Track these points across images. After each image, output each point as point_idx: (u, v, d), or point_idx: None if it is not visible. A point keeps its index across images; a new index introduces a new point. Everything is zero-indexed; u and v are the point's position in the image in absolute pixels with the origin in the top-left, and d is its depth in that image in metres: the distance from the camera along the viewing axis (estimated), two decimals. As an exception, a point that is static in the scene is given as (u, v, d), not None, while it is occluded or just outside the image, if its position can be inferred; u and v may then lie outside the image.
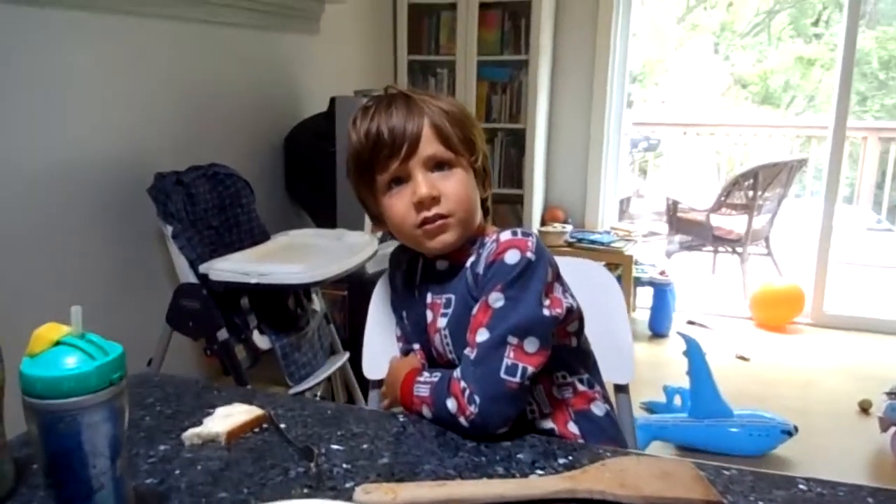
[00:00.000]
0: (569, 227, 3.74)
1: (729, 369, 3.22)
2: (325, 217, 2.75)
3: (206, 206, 2.26)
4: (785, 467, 2.44)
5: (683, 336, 2.54)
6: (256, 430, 0.91)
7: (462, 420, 0.88)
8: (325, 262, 2.15)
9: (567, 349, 1.01)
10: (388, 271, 1.17)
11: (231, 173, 2.35)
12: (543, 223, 3.86)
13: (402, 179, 0.97)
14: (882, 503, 0.76)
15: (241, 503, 0.75)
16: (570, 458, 0.84)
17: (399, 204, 0.97)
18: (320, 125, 2.71)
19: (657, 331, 3.63)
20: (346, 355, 2.46)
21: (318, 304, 2.48)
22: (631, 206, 5.74)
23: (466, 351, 0.93)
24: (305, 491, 0.77)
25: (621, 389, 1.18)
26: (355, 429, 0.91)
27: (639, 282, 3.67)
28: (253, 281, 2.02)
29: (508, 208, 3.85)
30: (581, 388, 1.02)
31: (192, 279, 2.09)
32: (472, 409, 0.87)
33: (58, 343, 0.64)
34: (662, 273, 3.71)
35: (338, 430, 0.90)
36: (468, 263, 0.98)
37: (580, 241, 3.61)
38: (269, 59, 2.82)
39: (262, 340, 2.19)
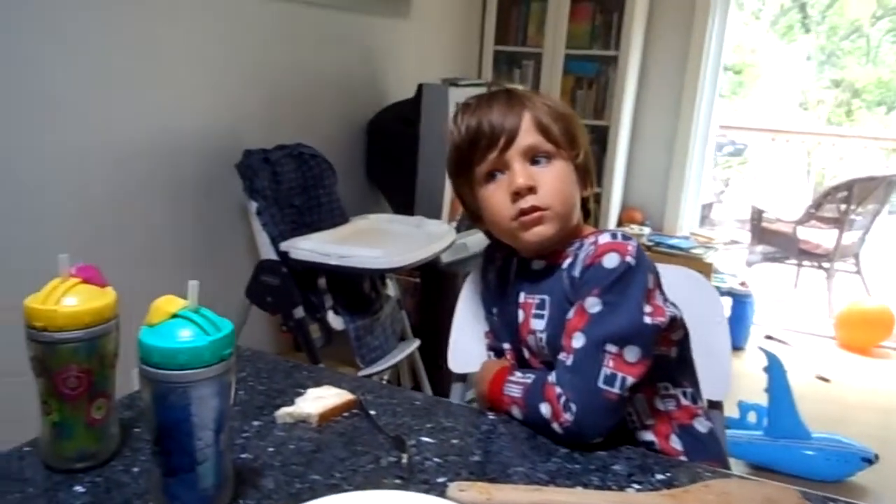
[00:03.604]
0: (646, 230, 3.65)
1: (807, 389, 3.08)
2: (404, 203, 2.76)
3: (290, 185, 2.28)
4: (862, 496, 2.33)
5: (766, 352, 2.44)
6: (346, 414, 0.91)
7: (556, 426, 0.86)
8: (404, 248, 2.15)
9: (668, 360, 0.97)
10: (482, 265, 1.15)
11: (315, 154, 2.38)
12: (620, 223, 3.78)
13: (500, 171, 0.96)
14: None
15: (333, 487, 0.75)
16: (669, 474, 0.81)
17: (496, 195, 0.96)
18: (405, 111, 2.71)
19: (734, 343, 3.49)
20: (417, 342, 2.46)
21: (392, 289, 2.49)
22: (713, 213, 5.55)
23: (561, 356, 0.90)
24: (397, 482, 0.76)
25: (715, 405, 1.13)
26: (445, 423, 0.90)
27: (718, 292, 3.55)
28: (333, 262, 2.04)
29: (585, 206, 3.77)
30: (684, 401, 0.98)
31: (273, 256, 2.13)
32: (568, 416, 0.85)
33: (174, 315, 0.65)
34: (743, 284, 3.58)
35: (427, 423, 0.90)
36: (565, 265, 0.96)
37: (658, 244, 3.52)
38: (357, 42, 2.83)
39: (336, 321, 2.21)
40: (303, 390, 0.94)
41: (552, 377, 0.89)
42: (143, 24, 1.92)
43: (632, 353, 0.87)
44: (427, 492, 0.73)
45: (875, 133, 7.43)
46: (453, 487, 0.73)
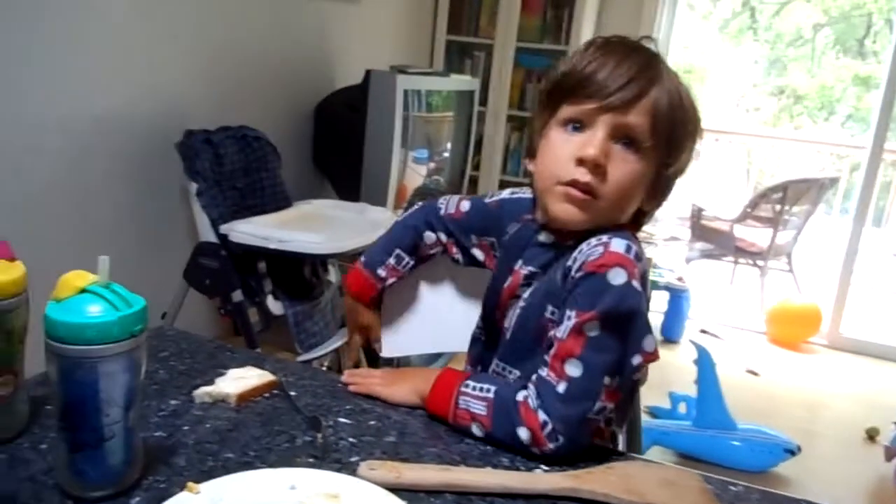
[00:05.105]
0: (591, 225, 3.71)
1: (737, 382, 3.20)
2: (349, 189, 2.75)
3: (233, 167, 2.26)
4: (784, 486, 2.42)
5: (696, 345, 2.52)
6: (266, 395, 0.92)
7: (534, 450, 0.82)
8: (345, 234, 2.15)
9: None
10: (506, 218, 1.05)
11: (259, 136, 2.36)
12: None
13: (581, 126, 0.86)
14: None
15: (246, 465, 0.75)
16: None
17: (562, 148, 0.87)
18: (353, 96, 2.70)
19: (669, 336, 3.61)
20: (357, 329, 2.46)
21: (333, 275, 2.49)
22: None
23: (549, 377, 0.83)
24: (310, 461, 0.77)
25: (632, 392, 1.17)
26: (364, 404, 0.91)
27: (655, 285, 3.63)
28: (272, 246, 2.03)
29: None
30: (602, 425, 0.92)
31: (213, 238, 2.10)
32: (552, 445, 0.81)
33: (83, 290, 0.64)
34: (680, 279, 3.68)
35: (346, 404, 0.91)
36: (571, 258, 0.86)
37: (601, 238, 3.58)
38: (307, 25, 2.81)
39: (275, 306, 2.20)
40: (224, 371, 0.94)
41: (532, 399, 0.82)
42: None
43: (617, 382, 0.84)
44: (339, 471, 0.74)
45: (816, 137, 7.69)
46: (364, 466, 0.74)
